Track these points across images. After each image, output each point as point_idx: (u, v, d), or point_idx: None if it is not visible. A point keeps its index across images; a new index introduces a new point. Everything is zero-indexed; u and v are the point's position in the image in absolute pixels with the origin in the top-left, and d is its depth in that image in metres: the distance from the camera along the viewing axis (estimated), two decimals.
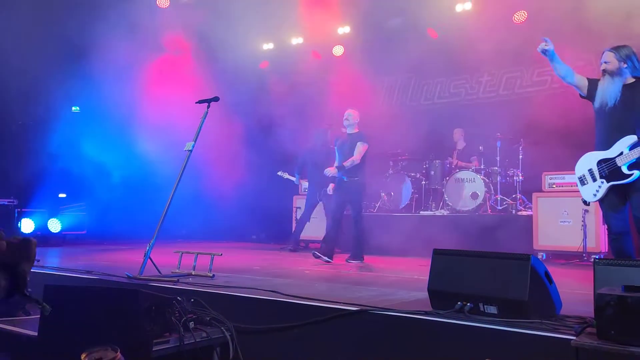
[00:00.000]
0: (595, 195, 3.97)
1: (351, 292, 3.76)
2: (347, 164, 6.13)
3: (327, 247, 6.20)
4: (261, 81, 10.77)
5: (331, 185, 6.79)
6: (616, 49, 3.88)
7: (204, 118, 4.88)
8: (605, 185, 3.89)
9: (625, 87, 3.84)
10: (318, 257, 6.08)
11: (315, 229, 8.27)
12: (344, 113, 6.48)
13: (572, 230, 6.52)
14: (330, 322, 3.09)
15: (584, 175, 4.00)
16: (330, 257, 6.15)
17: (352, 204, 6.29)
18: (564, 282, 4.38)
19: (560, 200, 6.71)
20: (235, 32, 9.54)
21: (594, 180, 3.92)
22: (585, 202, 4.11)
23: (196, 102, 4.89)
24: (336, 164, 6.45)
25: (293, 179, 8.48)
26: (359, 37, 10.04)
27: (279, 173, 8.69)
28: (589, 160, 3.99)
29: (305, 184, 9.18)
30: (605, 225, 6.37)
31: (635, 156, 3.70)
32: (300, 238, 8.46)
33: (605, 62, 3.91)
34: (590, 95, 4.10)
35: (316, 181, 7.94)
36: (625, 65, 3.82)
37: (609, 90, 3.86)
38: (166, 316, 3.08)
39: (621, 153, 3.77)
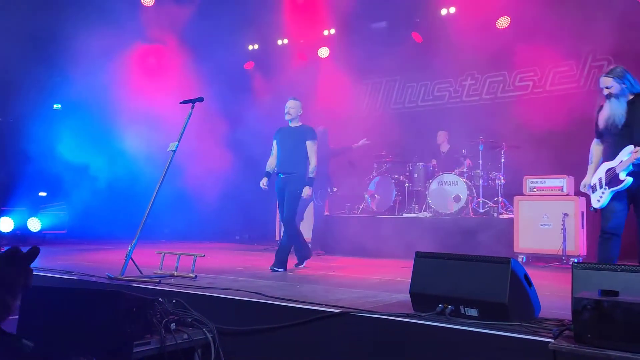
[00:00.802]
0: (599, 201, 4.18)
1: (333, 294, 3.78)
2: (312, 174, 5.53)
3: (279, 256, 5.53)
4: (246, 81, 10.75)
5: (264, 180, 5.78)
6: (611, 72, 4.10)
7: (188, 118, 4.86)
8: (608, 191, 4.10)
9: (628, 104, 4.10)
10: (275, 271, 5.40)
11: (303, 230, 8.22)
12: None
13: (552, 233, 6.61)
14: (313, 324, 3.11)
15: (595, 184, 4.23)
16: (284, 267, 5.49)
17: (287, 201, 5.52)
18: (543, 284, 4.44)
19: (540, 204, 6.80)
20: (221, 32, 9.53)
21: (601, 187, 4.16)
22: (593, 209, 4.31)
23: (180, 103, 4.87)
24: (272, 161, 5.79)
25: None
26: (344, 40, 10.08)
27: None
28: (601, 170, 4.21)
29: None
30: (584, 229, 6.59)
31: (628, 162, 3.94)
32: None
33: (607, 88, 4.11)
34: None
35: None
36: (625, 85, 4.07)
37: (617, 112, 4.08)
38: (147, 318, 3.05)
39: (621, 162, 4.04)
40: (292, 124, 5.73)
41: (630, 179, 3.96)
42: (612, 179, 4.06)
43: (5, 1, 7.44)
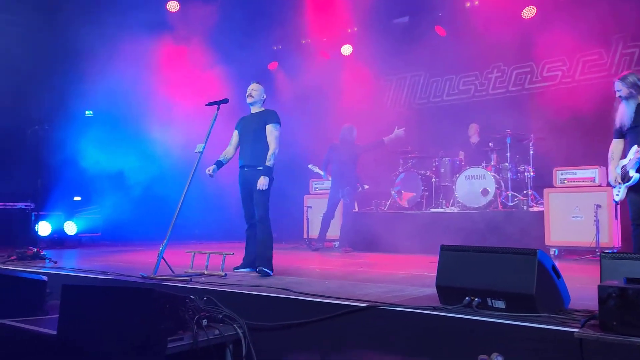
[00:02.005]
0: (617, 195, 4.57)
1: (360, 289, 3.81)
2: (270, 162, 4.90)
3: (263, 258, 4.89)
4: (270, 82, 10.85)
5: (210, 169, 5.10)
6: (622, 79, 4.48)
7: (214, 120, 4.96)
8: (623, 186, 4.49)
9: (637, 107, 4.47)
10: (266, 274, 4.75)
11: (330, 228, 8.29)
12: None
13: (584, 225, 6.49)
14: (340, 318, 3.14)
15: (615, 178, 4.59)
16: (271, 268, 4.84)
17: (254, 201, 4.96)
18: (575, 277, 4.40)
19: (571, 196, 6.69)
20: (244, 33, 9.65)
21: (619, 183, 4.54)
22: (615, 202, 4.84)
23: (206, 105, 4.97)
24: (228, 150, 5.27)
25: (322, 172, 8.49)
26: (367, 36, 10.07)
27: (310, 166, 8.74)
28: (619, 166, 4.56)
29: (316, 184, 9.24)
30: (618, 220, 6.45)
31: (635, 161, 4.35)
32: (311, 237, 8.50)
33: (618, 91, 4.50)
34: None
35: (339, 178, 7.93)
36: (633, 90, 4.44)
37: (627, 113, 4.48)
38: (179, 314, 3.14)
39: (629, 160, 4.43)
40: (253, 110, 5.17)
41: (637, 175, 4.35)
42: (624, 175, 4.46)
43: (36, 12, 7.68)
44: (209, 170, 5.05)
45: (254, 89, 5.13)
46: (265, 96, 5.21)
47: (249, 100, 5.12)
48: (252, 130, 5.05)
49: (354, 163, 7.99)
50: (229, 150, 5.26)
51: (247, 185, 5.02)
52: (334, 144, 8.22)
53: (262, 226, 4.90)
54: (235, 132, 5.24)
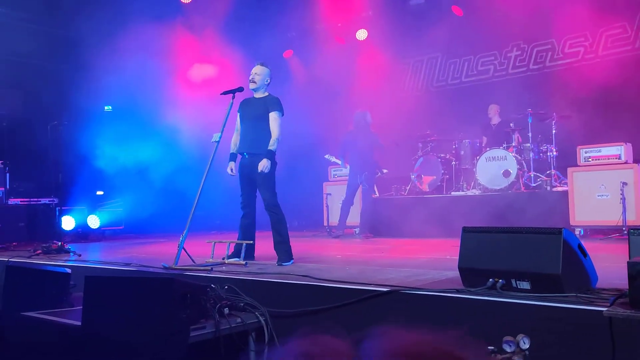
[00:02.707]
0: None
1: (382, 274, 3.77)
2: (273, 147, 4.74)
3: (282, 249, 4.77)
4: (285, 69, 10.79)
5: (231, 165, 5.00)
6: None
7: (230, 108, 4.94)
8: None
9: None
10: (284, 265, 4.59)
11: (351, 215, 8.26)
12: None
13: (610, 204, 6.34)
14: (362, 303, 3.11)
15: None
16: (291, 257, 4.75)
17: (260, 187, 4.83)
18: (602, 256, 4.30)
19: (596, 174, 6.54)
20: (259, 21, 9.59)
21: None
22: None
23: (221, 94, 4.94)
24: (236, 138, 5.08)
25: (339, 162, 8.45)
26: (382, 20, 9.93)
27: (327, 156, 8.70)
28: None
29: (334, 171, 9.18)
30: None
31: None
32: (331, 224, 8.47)
33: None
34: None
35: (356, 164, 7.86)
36: None
37: None
38: (201, 303, 3.15)
39: None
40: (256, 95, 4.97)
41: None
42: None
43: (51, 7, 7.73)
44: (231, 171, 4.95)
45: (257, 73, 4.90)
46: (269, 80, 4.97)
47: (251, 86, 4.92)
48: (254, 116, 4.88)
49: (370, 148, 7.90)
50: (237, 138, 5.09)
51: (247, 173, 4.87)
52: (349, 131, 8.15)
53: (273, 213, 4.79)
54: (238, 116, 5.07)
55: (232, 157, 5.01)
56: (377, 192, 8.39)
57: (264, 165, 4.66)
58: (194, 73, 9.68)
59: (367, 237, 7.61)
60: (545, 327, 2.46)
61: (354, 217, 8.08)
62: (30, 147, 8.20)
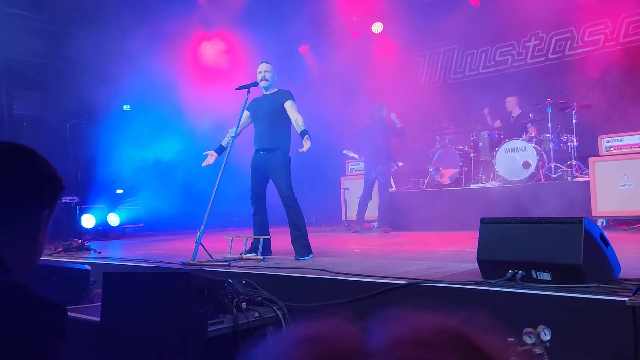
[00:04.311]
0: None
1: (400, 267, 3.74)
2: (304, 127, 4.68)
3: (299, 243, 4.72)
4: (302, 65, 10.76)
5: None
6: None
7: (245, 103, 4.94)
8: None
9: None
10: (302, 259, 4.55)
11: (369, 209, 8.23)
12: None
13: (634, 194, 6.21)
14: (380, 296, 3.09)
15: None
16: (310, 251, 4.72)
17: (276, 182, 4.81)
18: (626, 246, 4.20)
19: (619, 164, 6.40)
20: (274, 16, 9.57)
21: None
22: None
23: (236, 89, 4.95)
24: (234, 130, 4.98)
25: (357, 156, 8.42)
26: (397, 13, 9.83)
27: (345, 151, 8.69)
28: None
29: (352, 165, 9.15)
30: None
31: None
32: (349, 218, 8.45)
33: None
34: None
35: (370, 158, 7.81)
36: None
37: None
38: (219, 298, 3.15)
39: None
40: (267, 92, 4.96)
41: None
42: None
43: (72, 9, 7.81)
44: (209, 158, 4.98)
45: (267, 71, 4.90)
46: (275, 75, 4.99)
47: (264, 84, 4.90)
48: (267, 112, 4.86)
49: (385, 141, 7.84)
50: (232, 132, 5.03)
51: (262, 169, 4.86)
52: (364, 125, 8.10)
53: (290, 208, 4.76)
54: (247, 113, 5.03)
55: (219, 149, 5.03)
56: (394, 186, 8.33)
57: (308, 145, 4.63)
58: (210, 70, 9.71)
59: (386, 232, 7.57)
60: (566, 319, 2.41)
61: (373, 212, 8.04)
62: (50, 147, 8.27)
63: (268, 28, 9.63)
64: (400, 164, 8.18)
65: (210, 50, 9.96)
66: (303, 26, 11.13)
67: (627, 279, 2.66)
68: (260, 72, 4.91)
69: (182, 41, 9.19)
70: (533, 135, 7.53)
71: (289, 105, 4.80)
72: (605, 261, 2.74)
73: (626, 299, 2.20)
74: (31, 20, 8.43)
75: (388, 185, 8.01)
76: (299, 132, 4.72)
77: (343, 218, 8.90)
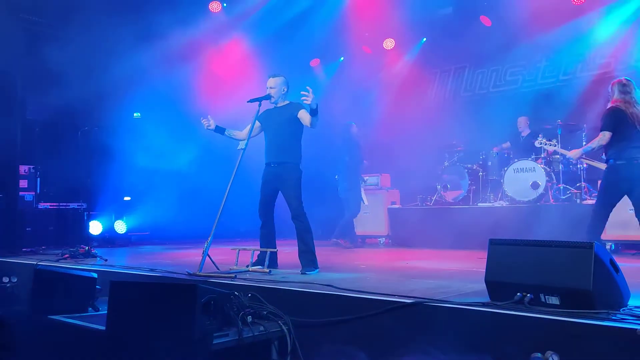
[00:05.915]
0: None
1: (406, 285, 3.72)
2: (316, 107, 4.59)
3: (306, 257, 4.77)
4: (312, 78, 10.81)
5: None
6: None
7: (256, 116, 4.97)
8: None
9: None
10: (308, 274, 4.56)
11: (371, 224, 8.23)
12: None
13: None
14: (385, 315, 3.07)
15: None
16: (316, 265, 4.73)
17: (286, 196, 4.85)
18: (635, 272, 4.16)
19: None
20: (286, 31, 9.64)
21: None
22: None
23: (248, 101, 4.96)
24: (239, 133, 5.13)
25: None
26: (409, 29, 9.88)
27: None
28: None
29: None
30: None
31: None
32: (358, 234, 8.44)
33: None
34: None
35: (339, 176, 8.15)
36: None
37: None
38: (224, 310, 3.15)
39: None
40: (278, 104, 4.98)
41: None
42: None
43: (84, 16, 7.91)
44: (206, 122, 4.98)
45: (272, 87, 4.92)
46: (286, 88, 4.97)
47: (274, 99, 4.94)
48: (278, 124, 4.87)
49: (344, 158, 8.09)
50: (238, 133, 5.14)
51: (273, 182, 4.88)
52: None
53: (299, 222, 4.79)
54: (258, 124, 5.03)
55: (219, 129, 5.04)
56: (365, 200, 8.33)
57: (315, 100, 4.52)
58: (221, 80, 9.77)
59: (337, 244, 7.71)
60: (575, 345, 2.38)
61: (376, 227, 8.08)
62: (61, 152, 8.35)
63: (280, 41, 9.71)
64: (366, 178, 8.47)
65: (221, 62, 10.04)
66: (315, 40, 11.23)
67: (637, 306, 2.63)
68: (267, 87, 4.96)
69: (194, 51, 9.26)
70: (543, 155, 7.50)
71: (302, 113, 4.80)
72: (615, 287, 2.71)
73: (637, 327, 2.18)
74: (46, 27, 8.53)
75: (355, 201, 8.03)
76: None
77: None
